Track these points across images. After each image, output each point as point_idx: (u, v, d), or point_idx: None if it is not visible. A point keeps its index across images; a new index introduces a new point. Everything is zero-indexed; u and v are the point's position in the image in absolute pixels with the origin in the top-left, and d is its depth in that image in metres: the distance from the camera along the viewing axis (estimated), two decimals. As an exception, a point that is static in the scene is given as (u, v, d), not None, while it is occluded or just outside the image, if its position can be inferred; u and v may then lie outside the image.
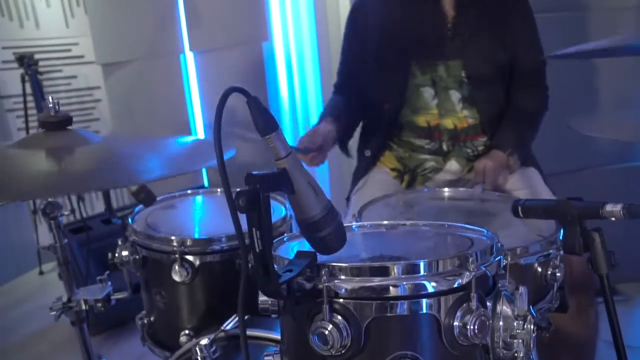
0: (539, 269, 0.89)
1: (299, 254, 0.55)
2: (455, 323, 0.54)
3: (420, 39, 1.39)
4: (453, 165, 1.44)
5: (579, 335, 1.25)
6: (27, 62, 2.69)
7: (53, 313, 1.25)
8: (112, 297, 1.28)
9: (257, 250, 0.50)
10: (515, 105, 1.44)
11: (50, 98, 0.78)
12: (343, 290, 0.52)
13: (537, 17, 1.51)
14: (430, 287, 0.52)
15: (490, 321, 0.56)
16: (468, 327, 0.54)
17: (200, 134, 2.81)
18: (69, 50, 2.98)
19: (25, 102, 2.75)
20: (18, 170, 0.69)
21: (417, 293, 0.52)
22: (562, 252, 0.87)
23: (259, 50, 2.31)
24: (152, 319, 1.21)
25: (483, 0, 1.39)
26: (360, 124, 1.56)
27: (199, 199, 1.35)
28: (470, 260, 0.53)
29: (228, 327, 0.96)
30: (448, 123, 1.42)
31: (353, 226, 0.80)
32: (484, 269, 0.55)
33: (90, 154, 0.75)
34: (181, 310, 1.13)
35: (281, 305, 0.55)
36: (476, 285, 0.53)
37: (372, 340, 0.54)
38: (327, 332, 0.51)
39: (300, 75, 2.36)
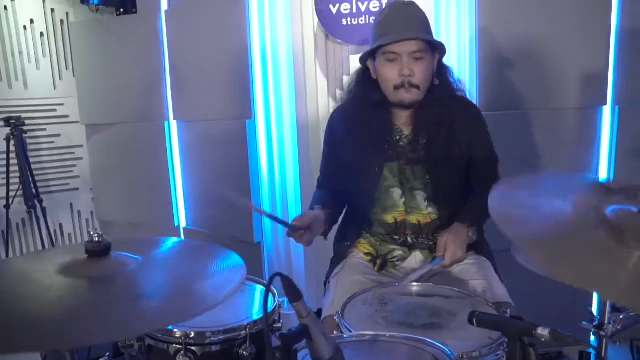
0: (490, 367, 1.09)
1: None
2: None
3: (389, 148, 1.61)
4: (417, 255, 1.65)
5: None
6: (14, 124, 2.80)
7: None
8: (113, 377, 1.41)
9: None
10: (476, 194, 1.67)
11: (92, 232, 0.93)
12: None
13: (486, 114, 1.76)
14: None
15: None
16: None
17: (180, 201, 2.94)
18: (54, 110, 3.10)
19: (8, 159, 2.83)
20: (58, 308, 0.82)
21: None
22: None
23: (242, 126, 2.51)
24: (150, 398, 1.33)
25: (438, 112, 1.58)
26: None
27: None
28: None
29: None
30: (412, 219, 1.63)
31: (345, 336, 0.98)
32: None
33: (127, 285, 0.90)
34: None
35: None
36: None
37: None
38: None
39: (279, 153, 2.56)
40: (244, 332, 1.24)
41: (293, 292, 0.72)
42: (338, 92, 2.47)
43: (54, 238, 3.08)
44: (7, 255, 2.96)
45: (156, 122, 2.91)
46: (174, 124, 2.90)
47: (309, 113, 2.51)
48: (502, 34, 2.21)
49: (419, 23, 1.52)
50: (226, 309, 1.39)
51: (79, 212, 3.25)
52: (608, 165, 2.33)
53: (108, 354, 1.42)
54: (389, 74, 1.54)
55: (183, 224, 2.96)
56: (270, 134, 2.57)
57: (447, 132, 1.59)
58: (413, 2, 1.59)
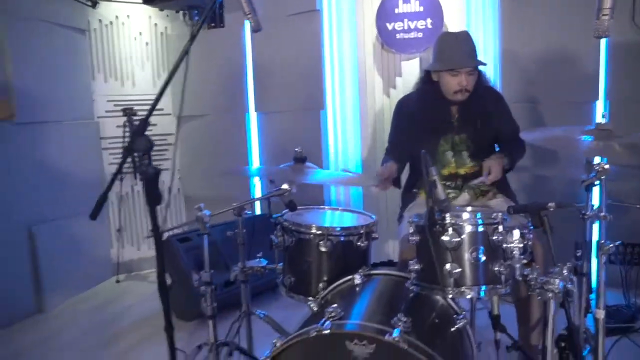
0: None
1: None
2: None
3: (445, 125, 2.31)
4: (465, 195, 2.34)
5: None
6: (128, 113, 3.53)
7: (234, 272, 2.05)
8: (267, 268, 2.09)
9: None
10: (504, 145, 2.33)
11: (299, 149, 1.64)
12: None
13: (512, 105, 2.45)
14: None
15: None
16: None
17: (256, 180, 3.65)
18: (153, 104, 3.82)
19: (124, 142, 3.55)
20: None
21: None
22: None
23: (316, 115, 3.22)
24: (292, 279, 1.97)
25: (476, 103, 2.26)
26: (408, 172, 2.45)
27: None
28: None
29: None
30: (461, 171, 2.32)
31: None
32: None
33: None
34: (321, 268, 1.90)
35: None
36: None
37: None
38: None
39: (343, 136, 3.28)
40: (362, 230, 1.91)
41: (427, 164, 1.41)
42: (391, 90, 3.19)
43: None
44: (120, 220, 3.68)
45: (238, 113, 3.63)
46: (254, 115, 3.62)
47: (368, 105, 3.23)
48: (519, 50, 2.94)
49: (474, 52, 2.24)
50: (351, 218, 2.08)
51: (169, 188, 3.95)
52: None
53: (260, 252, 2.11)
54: (450, 83, 2.22)
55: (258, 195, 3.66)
56: (336, 121, 3.29)
57: (481, 113, 2.28)
58: (468, 33, 2.27)
